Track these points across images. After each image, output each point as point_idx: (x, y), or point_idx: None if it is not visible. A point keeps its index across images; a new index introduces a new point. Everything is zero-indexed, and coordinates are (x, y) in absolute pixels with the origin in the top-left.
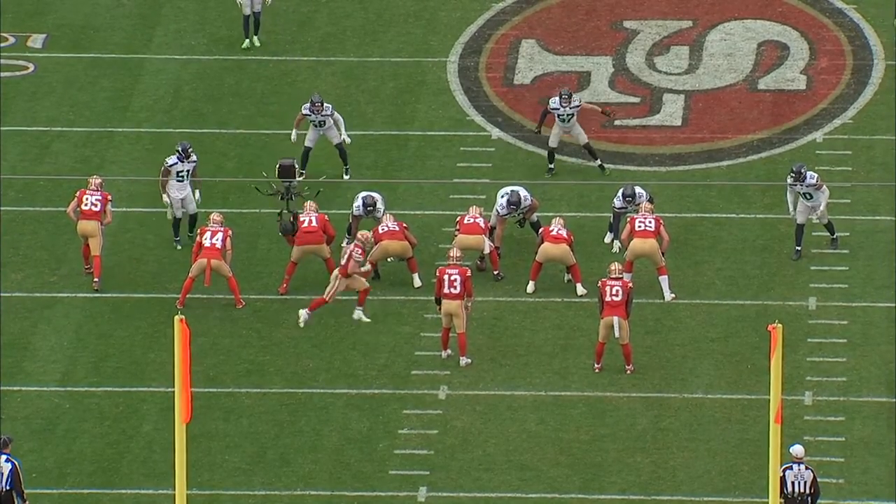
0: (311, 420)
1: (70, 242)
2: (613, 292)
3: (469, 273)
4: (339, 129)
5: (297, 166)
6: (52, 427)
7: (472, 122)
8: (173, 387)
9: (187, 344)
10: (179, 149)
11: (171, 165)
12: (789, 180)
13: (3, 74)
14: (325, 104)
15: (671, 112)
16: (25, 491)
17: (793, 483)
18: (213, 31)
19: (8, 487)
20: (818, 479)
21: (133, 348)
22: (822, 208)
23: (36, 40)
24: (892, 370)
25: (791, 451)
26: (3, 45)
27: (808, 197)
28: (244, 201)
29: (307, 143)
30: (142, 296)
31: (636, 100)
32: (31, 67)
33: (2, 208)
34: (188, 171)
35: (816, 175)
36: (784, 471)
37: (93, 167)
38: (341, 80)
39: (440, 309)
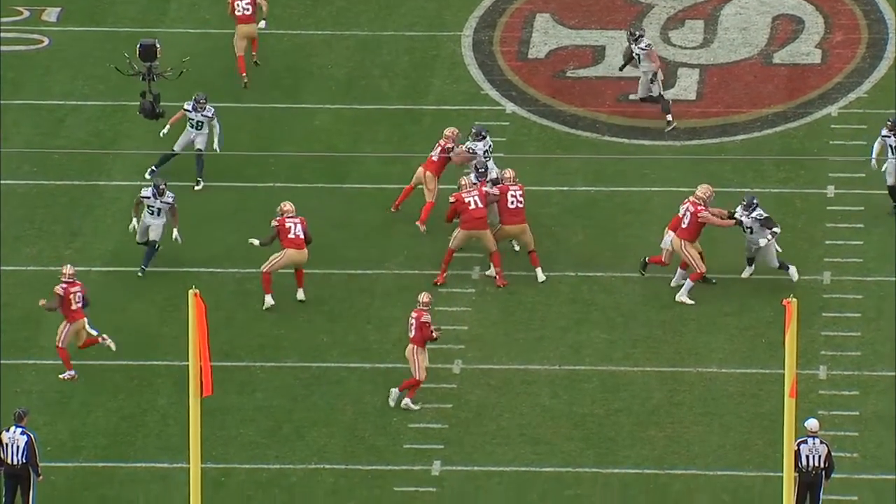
0: (326, 394)
1: (85, 216)
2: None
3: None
4: (212, 137)
5: (158, 46)
6: (66, 400)
7: (486, 96)
8: (188, 361)
9: (203, 318)
10: (153, 185)
11: (143, 197)
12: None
13: (18, 48)
14: (208, 104)
15: (686, 86)
16: (40, 464)
17: (807, 457)
18: (227, 5)
19: (24, 460)
20: (832, 453)
21: (148, 322)
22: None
23: (50, 14)
24: None
25: (805, 425)
26: (17, 18)
27: None
28: (259, 175)
29: (175, 147)
30: (155, 269)
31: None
32: (46, 41)
33: (16, 182)
34: (160, 209)
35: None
36: (798, 445)
37: (107, 141)
38: (355, 53)
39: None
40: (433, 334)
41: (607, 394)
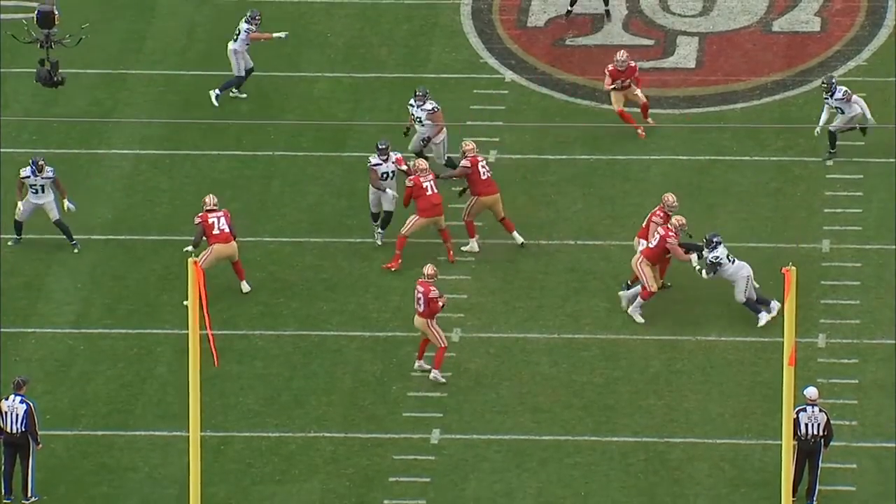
0: (325, 362)
1: (83, 184)
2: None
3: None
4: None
5: (56, 13)
6: (66, 369)
7: (485, 64)
8: (188, 329)
9: (203, 286)
10: (31, 162)
11: (24, 178)
12: (824, 95)
13: (17, 16)
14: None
15: (685, 54)
16: (39, 433)
17: (806, 425)
18: None
19: (23, 429)
20: (832, 422)
21: (147, 290)
22: (867, 115)
23: None
24: None
25: (804, 393)
26: None
27: (841, 111)
28: (258, 144)
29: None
30: (155, 238)
31: (650, 42)
32: None
33: (16, 150)
34: (42, 185)
35: (845, 88)
36: (797, 413)
37: (106, 110)
38: (355, 22)
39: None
40: (441, 305)
41: (606, 362)
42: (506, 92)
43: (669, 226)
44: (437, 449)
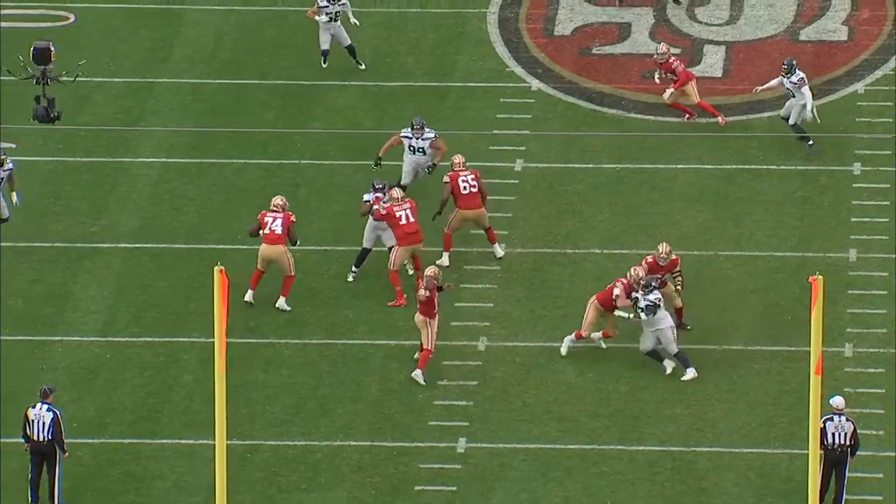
0: (351, 371)
1: (110, 193)
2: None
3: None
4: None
5: (52, 49)
6: (92, 377)
7: (511, 73)
8: (213, 337)
9: (226, 294)
10: None
11: None
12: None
13: (45, 25)
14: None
15: (712, 63)
16: (66, 441)
17: (833, 434)
18: None
19: (50, 437)
20: (858, 431)
21: (173, 298)
22: (809, 107)
23: None
24: None
25: (831, 402)
26: None
27: (792, 94)
28: (284, 152)
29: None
30: (182, 246)
31: (677, 51)
32: (72, 17)
33: (42, 158)
34: (1, 178)
35: (803, 75)
36: (824, 422)
37: (133, 118)
38: (382, 31)
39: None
40: (444, 288)
41: (632, 371)
42: (532, 101)
43: (627, 276)
44: (463, 458)
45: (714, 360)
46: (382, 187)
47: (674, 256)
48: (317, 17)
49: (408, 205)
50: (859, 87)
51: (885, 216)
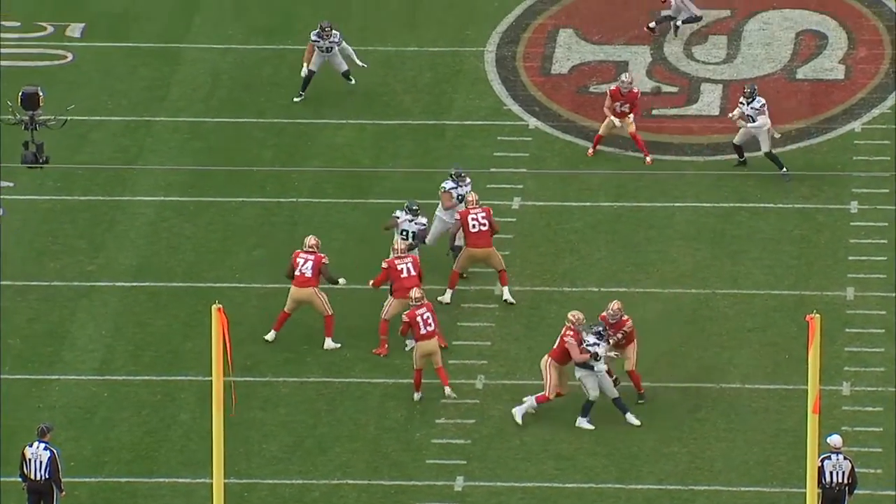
0: (349, 409)
1: (108, 231)
2: None
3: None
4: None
5: (41, 94)
6: (90, 415)
7: (509, 111)
8: (211, 376)
9: (227, 333)
10: None
11: None
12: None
13: (43, 63)
14: (333, 30)
15: (709, 101)
16: (63, 480)
17: (831, 473)
18: (251, 21)
19: (47, 476)
20: (856, 470)
21: (171, 337)
22: (764, 131)
23: (74, 29)
24: None
25: (829, 441)
26: (42, 34)
27: (752, 120)
28: (282, 190)
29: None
30: (179, 285)
31: (674, 89)
32: (70, 56)
33: (41, 197)
34: None
35: (764, 101)
36: (822, 461)
37: (131, 156)
38: (379, 69)
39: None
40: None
41: (630, 409)
42: (529, 139)
43: (568, 323)
44: (460, 496)
45: (712, 398)
46: (417, 209)
47: (625, 317)
48: (312, 58)
49: (410, 259)
50: (856, 125)
51: (882, 255)
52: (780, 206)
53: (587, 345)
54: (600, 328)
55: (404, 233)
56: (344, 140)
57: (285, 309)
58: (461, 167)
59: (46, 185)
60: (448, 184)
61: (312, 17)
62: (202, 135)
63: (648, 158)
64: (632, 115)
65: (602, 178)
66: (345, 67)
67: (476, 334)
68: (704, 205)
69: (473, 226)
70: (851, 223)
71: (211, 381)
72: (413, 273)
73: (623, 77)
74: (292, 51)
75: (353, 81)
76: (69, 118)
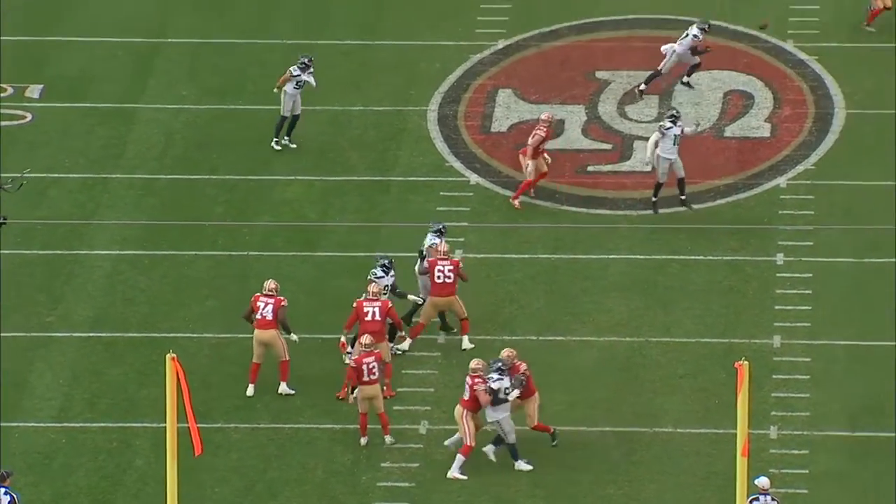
0: (298, 454)
1: (66, 284)
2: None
3: (382, 356)
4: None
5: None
6: (48, 461)
7: (451, 167)
8: (165, 422)
9: (184, 380)
10: None
11: None
12: (666, 123)
13: (3, 123)
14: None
15: (641, 158)
16: None
17: None
18: (203, 82)
19: None
20: None
21: (126, 385)
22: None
23: (34, 90)
24: (853, 405)
25: (757, 482)
26: (2, 95)
27: (662, 136)
28: (233, 244)
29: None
30: (134, 335)
31: (608, 146)
32: (29, 117)
33: (1, 252)
34: None
35: (682, 131)
36: (751, 502)
37: (88, 212)
38: (327, 128)
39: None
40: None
41: (567, 453)
42: (471, 194)
43: (472, 372)
44: None
45: (646, 442)
46: (390, 265)
47: (517, 362)
48: (285, 88)
49: (379, 303)
50: (782, 181)
51: (807, 304)
52: (710, 258)
53: (491, 381)
54: (500, 363)
55: (386, 288)
56: (293, 195)
57: (254, 360)
58: (440, 222)
59: (7, 240)
60: (433, 238)
61: (262, 78)
62: (156, 191)
63: (517, 202)
64: (531, 163)
65: (540, 231)
66: (299, 110)
67: (419, 381)
68: (638, 257)
69: (439, 277)
70: (778, 274)
71: (165, 427)
72: (378, 318)
73: (542, 115)
74: (244, 111)
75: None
76: (25, 182)
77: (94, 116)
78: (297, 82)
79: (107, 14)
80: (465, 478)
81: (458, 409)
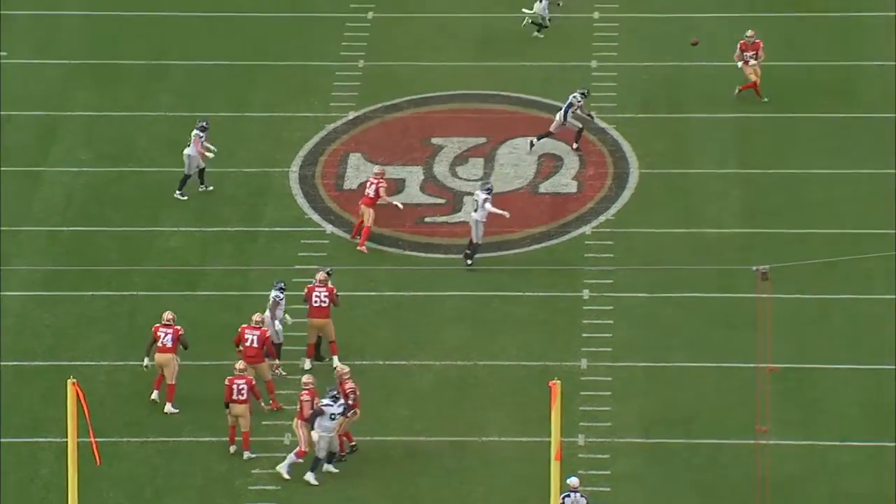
0: (181, 463)
1: None
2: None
3: (254, 382)
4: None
5: None
6: None
7: (309, 220)
8: (67, 438)
9: (84, 401)
10: None
11: None
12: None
13: None
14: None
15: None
16: None
17: None
18: (100, 148)
19: None
20: None
21: (33, 406)
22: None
23: None
24: (647, 417)
25: (568, 482)
26: None
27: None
28: (124, 286)
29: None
30: (40, 363)
31: (442, 201)
32: None
33: None
34: None
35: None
36: (563, 498)
37: (1, 261)
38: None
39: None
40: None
41: (409, 459)
42: (327, 241)
43: (304, 386)
44: None
45: (475, 449)
46: (336, 394)
47: (347, 380)
48: (186, 151)
49: (258, 332)
50: (587, 229)
51: (608, 332)
52: (528, 294)
53: (322, 405)
54: (335, 391)
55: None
56: (176, 244)
57: (169, 381)
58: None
59: None
60: (278, 294)
61: (149, 144)
62: (60, 241)
63: (364, 248)
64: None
65: (386, 272)
66: (203, 165)
67: (284, 400)
68: (468, 293)
69: (315, 301)
70: (584, 307)
71: (66, 442)
72: (255, 345)
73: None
74: (133, 172)
75: (212, 188)
76: None
77: (5, 178)
78: (207, 144)
79: (16, 91)
80: (288, 477)
81: (295, 420)
